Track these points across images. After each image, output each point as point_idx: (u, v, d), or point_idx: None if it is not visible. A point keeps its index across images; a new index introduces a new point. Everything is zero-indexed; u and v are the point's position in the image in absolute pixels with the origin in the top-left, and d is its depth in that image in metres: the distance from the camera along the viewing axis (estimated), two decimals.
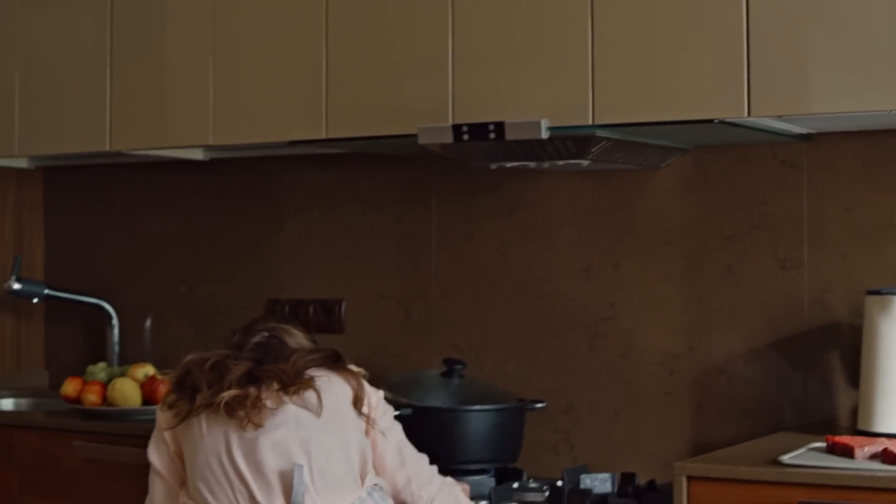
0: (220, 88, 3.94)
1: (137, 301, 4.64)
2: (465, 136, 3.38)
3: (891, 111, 3.11)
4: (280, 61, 3.83)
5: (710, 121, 3.24)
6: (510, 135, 3.33)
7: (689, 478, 3.00)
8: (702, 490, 2.99)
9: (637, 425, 3.83)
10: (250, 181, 4.45)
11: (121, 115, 4.12)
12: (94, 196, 4.82)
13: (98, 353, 4.69)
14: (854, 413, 3.48)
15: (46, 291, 4.47)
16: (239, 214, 4.48)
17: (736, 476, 2.97)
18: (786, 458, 2.98)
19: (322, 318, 4.12)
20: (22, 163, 4.68)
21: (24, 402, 4.55)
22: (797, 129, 3.49)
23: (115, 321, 4.56)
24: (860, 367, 3.35)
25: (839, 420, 3.55)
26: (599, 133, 3.35)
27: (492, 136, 3.34)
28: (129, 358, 4.54)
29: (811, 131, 3.54)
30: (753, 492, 2.94)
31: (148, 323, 4.60)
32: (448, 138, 3.41)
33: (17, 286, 4.44)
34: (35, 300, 4.50)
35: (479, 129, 3.37)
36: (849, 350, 3.55)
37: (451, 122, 3.52)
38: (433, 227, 4.13)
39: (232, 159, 4.42)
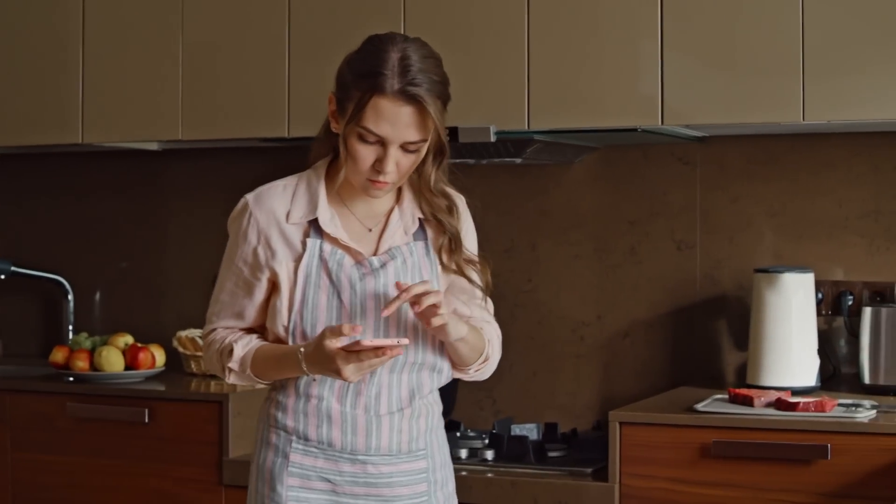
0: (190, 85, 4.30)
1: (86, 278, 4.95)
2: None
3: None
4: (245, 61, 4.25)
5: (634, 129, 3.77)
6: (463, 138, 3.81)
7: (621, 423, 3.53)
8: (631, 433, 3.51)
9: (552, 383, 4.31)
10: (199, 170, 4.78)
11: (93, 110, 4.43)
12: (39, 181, 5.07)
13: (48, 325, 5.01)
14: (738, 370, 4.04)
15: (12, 268, 4.77)
16: (186, 200, 4.83)
17: (661, 421, 3.49)
18: (699, 407, 3.54)
19: None
20: None
21: None
22: (694, 133, 4.03)
23: (70, 295, 4.90)
24: (749, 332, 3.89)
25: (727, 377, 4.10)
26: (537, 137, 3.87)
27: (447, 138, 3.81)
28: (79, 328, 4.87)
29: (705, 134, 4.07)
30: (675, 434, 3.47)
31: (97, 296, 4.95)
32: None
33: None
34: (2, 276, 4.79)
35: None
36: (734, 318, 4.09)
37: None
38: None
39: (179, 150, 4.73)
